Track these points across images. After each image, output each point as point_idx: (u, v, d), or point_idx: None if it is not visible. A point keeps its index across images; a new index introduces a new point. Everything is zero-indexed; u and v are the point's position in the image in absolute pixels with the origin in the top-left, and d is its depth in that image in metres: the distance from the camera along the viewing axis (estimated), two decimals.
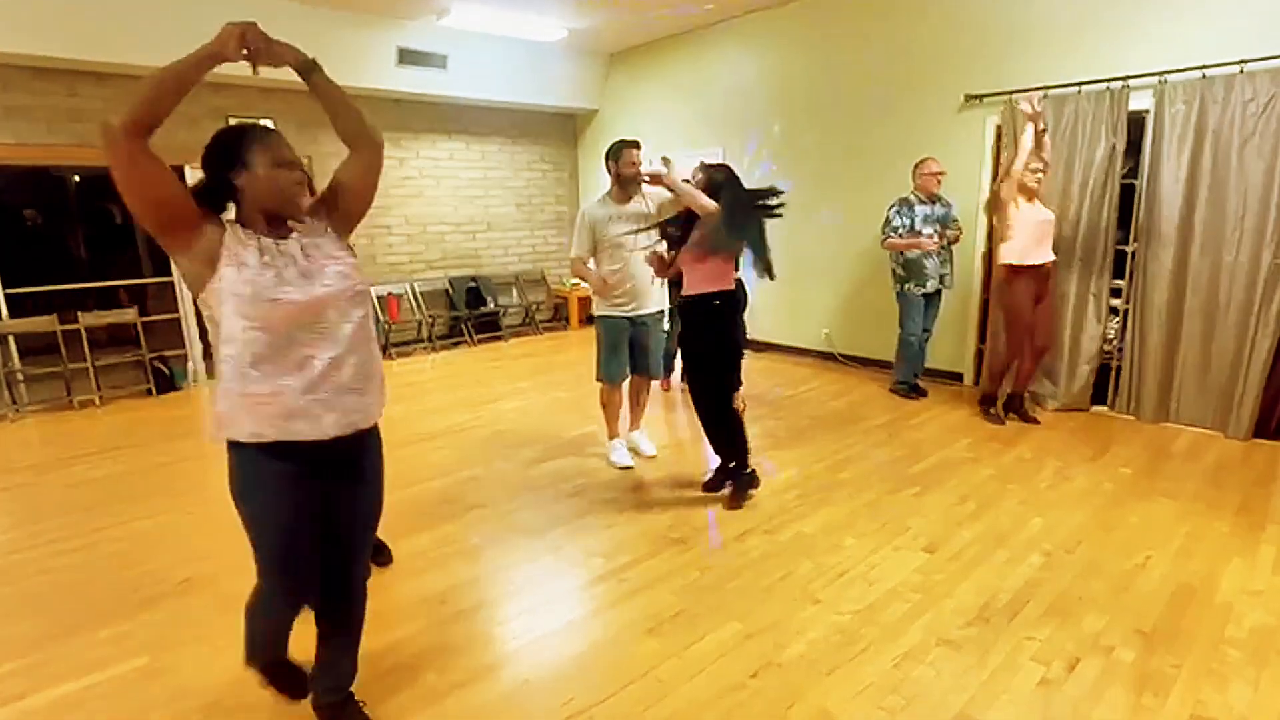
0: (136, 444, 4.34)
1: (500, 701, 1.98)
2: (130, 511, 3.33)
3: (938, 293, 4.74)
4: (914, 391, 4.87)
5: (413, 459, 3.90)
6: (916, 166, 4.61)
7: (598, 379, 3.65)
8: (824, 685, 2.01)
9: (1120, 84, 4.07)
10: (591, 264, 3.52)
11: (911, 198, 4.61)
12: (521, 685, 2.05)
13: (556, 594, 2.56)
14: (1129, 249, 4.24)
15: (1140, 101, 4.06)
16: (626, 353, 3.58)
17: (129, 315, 5.57)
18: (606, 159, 3.50)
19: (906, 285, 4.68)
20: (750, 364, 6.01)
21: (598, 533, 3.00)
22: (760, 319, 6.55)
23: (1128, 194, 4.22)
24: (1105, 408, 4.46)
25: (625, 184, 3.44)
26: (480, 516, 3.18)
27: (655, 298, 3.59)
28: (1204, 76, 3.78)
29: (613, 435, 3.78)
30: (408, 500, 3.29)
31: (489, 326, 7.50)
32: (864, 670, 2.07)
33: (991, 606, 2.38)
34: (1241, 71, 3.67)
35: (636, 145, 3.43)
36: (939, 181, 4.58)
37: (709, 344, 3.16)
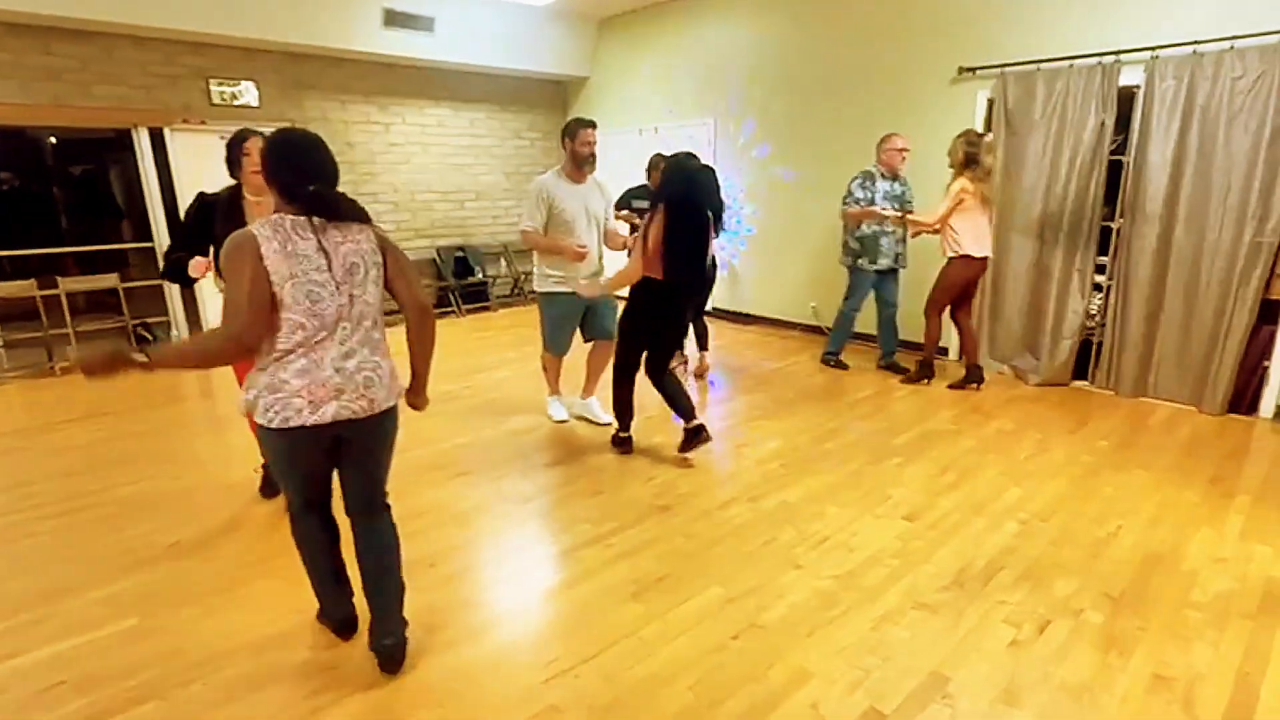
0: (120, 410, 4.32)
1: (487, 661, 2.02)
2: (117, 477, 3.33)
3: (893, 270, 4.76)
4: (842, 364, 5.01)
5: (401, 426, 3.89)
6: (882, 141, 4.60)
7: (547, 351, 3.87)
8: (803, 646, 2.07)
9: (1112, 59, 4.07)
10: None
11: (875, 171, 4.59)
12: (508, 645, 2.09)
13: (543, 558, 2.60)
14: (1114, 225, 4.27)
15: (1131, 77, 4.06)
16: (575, 326, 3.78)
17: (110, 280, 5.50)
18: (563, 136, 3.59)
19: (860, 260, 4.69)
20: (737, 337, 6.07)
21: (584, 499, 3.04)
22: (747, 292, 6.58)
23: (1115, 170, 4.24)
24: (1086, 382, 4.53)
25: (580, 163, 3.54)
26: (468, 483, 3.21)
27: (598, 268, 3.76)
28: (1195, 52, 3.79)
29: (553, 393, 4.04)
30: (397, 467, 3.23)
31: (477, 296, 7.47)
32: (842, 632, 2.13)
33: (967, 572, 2.45)
34: (1232, 48, 3.68)
35: (593, 125, 3.55)
36: (904, 158, 4.58)
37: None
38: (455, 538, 2.73)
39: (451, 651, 2.06)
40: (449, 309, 7.23)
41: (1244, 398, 3.97)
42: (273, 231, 1.68)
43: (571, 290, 3.57)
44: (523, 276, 7.88)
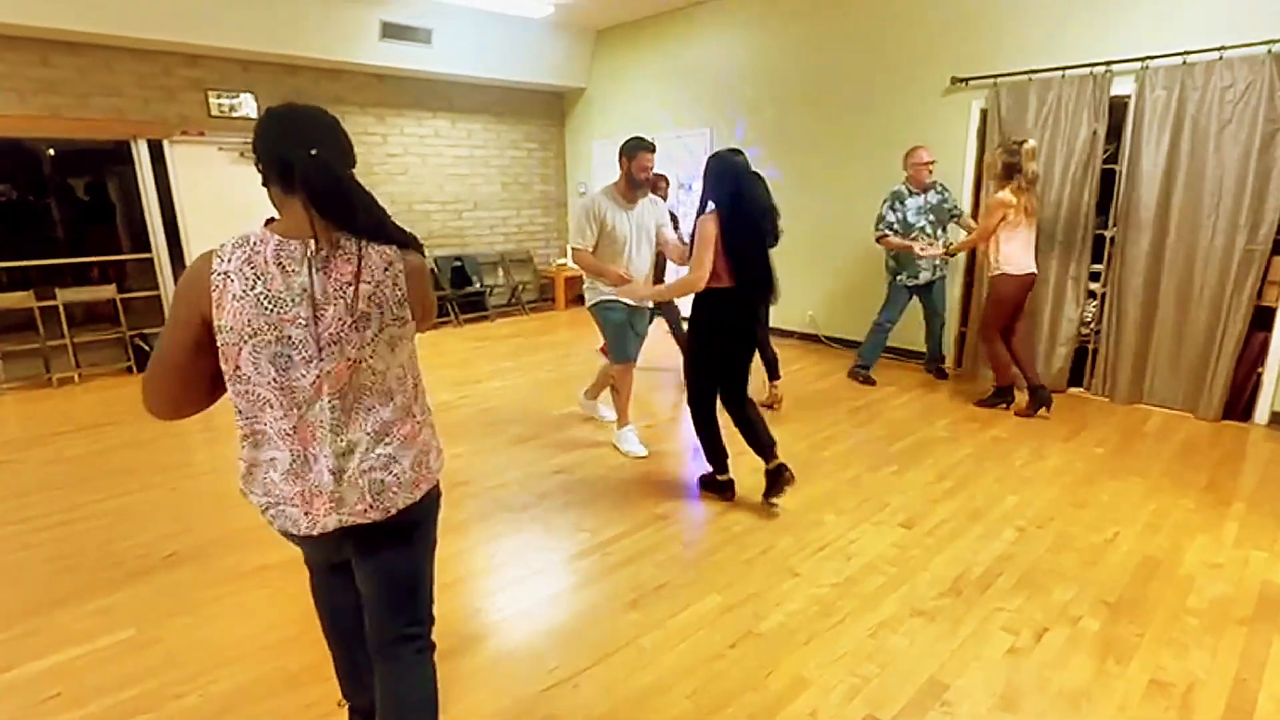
0: (117, 421, 4.31)
1: (486, 670, 2.02)
2: (113, 487, 3.32)
3: (931, 283, 4.66)
4: (869, 380, 4.83)
5: None
6: (907, 155, 4.53)
7: (613, 361, 3.59)
8: (801, 654, 2.07)
9: (1103, 69, 4.11)
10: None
11: (903, 189, 4.53)
12: (507, 654, 2.09)
13: (541, 567, 2.60)
14: (1108, 233, 4.30)
15: (1122, 87, 4.10)
16: (632, 331, 3.55)
17: (108, 292, 5.50)
18: (621, 154, 3.40)
19: (899, 276, 4.65)
20: None
21: (582, 508, 3.04)
22: None
23: (1108, 179, 4.27)
24: (1081, 389, 4.55)
25: (634, 185, 3.39)
26: (466, 492, 3.21)
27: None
28: (1184, 63, 3.83)
29: (624, 424, 3.69)
30: None
31: (474, 306, 7.48)
32: (840, 640, 2.13)
33: (965, 579, 2.45)
34: (1221, 58, 3.72)
35: (652, 149, 3.36)
36: (930, 171, 4.47)
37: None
38: (453, 546, 2.72)
39: (449, 661, 2.05)
40: (446, 318, 7.23)
41: (1238, 404, 3.99)
42: (241, 264, 1.17)
43: (621, 301, 3.46)
44: (520, 286, 7.90)
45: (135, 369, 5.49)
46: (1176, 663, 2.01)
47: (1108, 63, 4.08)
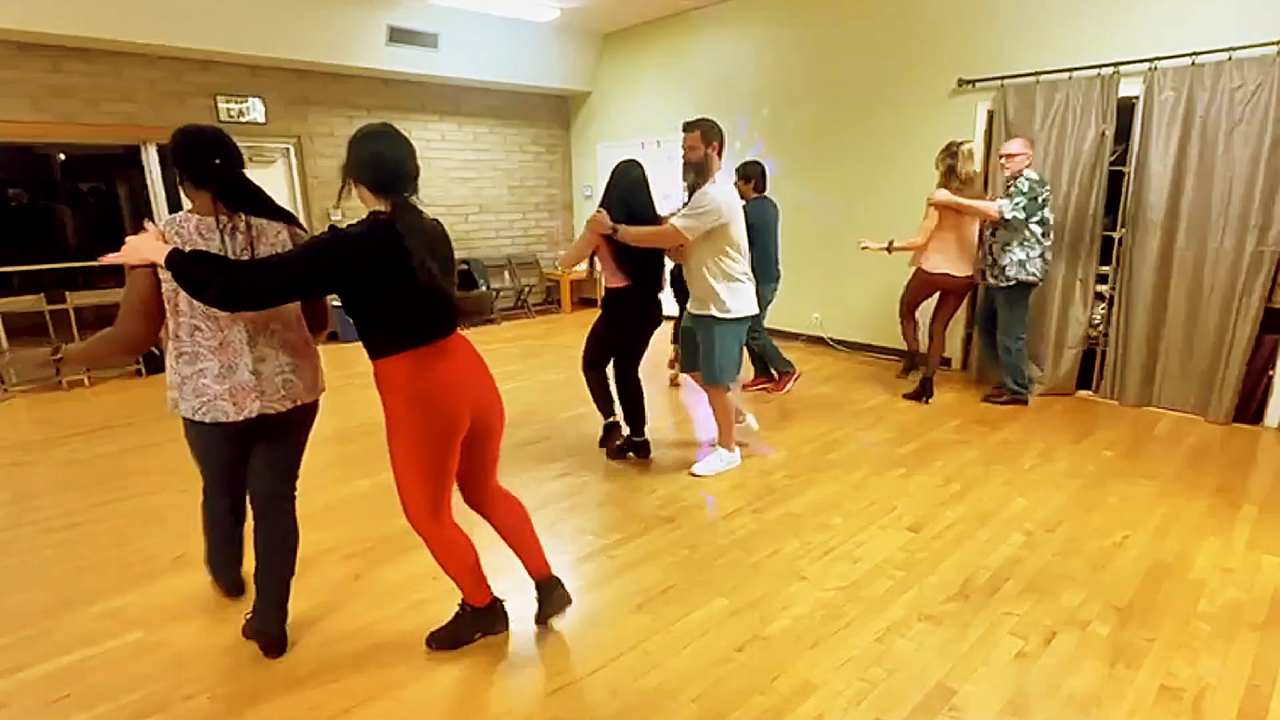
0: (126, 424, 4.33)
1: (492, 672, 2.02)
2: (122, 490, 3.34)
3: (1017, 286, 4.04)
4: (1016, 398, 4.32)
5: None
6: None
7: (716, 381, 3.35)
8: (808, 658, 2.06)
9: (1111, 70, 4.09)
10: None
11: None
12: (512, 658, 2.09)
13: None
14: (1116, 235, 4.28)
15: (1130, 88, 4.08)
16: (690, 347, 3.48)
17: (117, 295, 5.51)
18: None
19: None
20: None
21: (588, 511, 3.04)
22: None
23: (1116, 180, 4.25)
24: (1090, 392, 4.52)
25: (685, 170, 3.16)
26: None
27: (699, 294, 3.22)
28: (1193, 64, 3.81)
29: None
30: None
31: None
32: (847, 644, 2.12)
33: (973, 583, 2.44)
34: (1230, 59, 3.70)
35: (690, 128, 3.09)
36: (1002, 165, 4.08)
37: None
38: None
39: (455, 664, 2.06)
40: None
41: (1249, 406, 3.96)
42: (173, 235, 1.75)
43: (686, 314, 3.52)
44: (526, 289, 7.92)
45: (145, 372, 5.52)
46: (1187, 668, 1.99)
47: (1116, 64, 4.07)
